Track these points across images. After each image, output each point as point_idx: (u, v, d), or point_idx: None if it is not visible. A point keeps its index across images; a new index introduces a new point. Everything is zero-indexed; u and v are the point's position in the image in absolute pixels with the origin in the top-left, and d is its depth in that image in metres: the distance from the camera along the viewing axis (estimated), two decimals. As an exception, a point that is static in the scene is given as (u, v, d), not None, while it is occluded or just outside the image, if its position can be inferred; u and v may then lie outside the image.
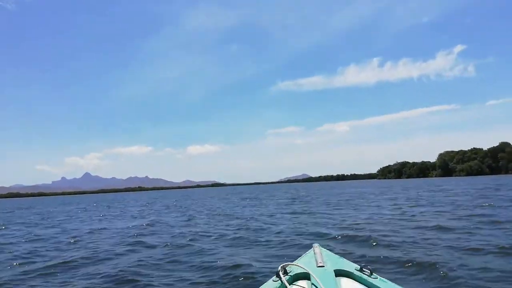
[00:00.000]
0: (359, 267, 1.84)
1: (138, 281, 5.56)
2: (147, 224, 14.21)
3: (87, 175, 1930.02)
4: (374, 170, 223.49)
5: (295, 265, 1.84)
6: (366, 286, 1.71)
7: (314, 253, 2.03)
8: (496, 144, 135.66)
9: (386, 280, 1.71)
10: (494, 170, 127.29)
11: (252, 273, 5.49)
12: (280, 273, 1.73)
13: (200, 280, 5.35)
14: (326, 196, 32.83)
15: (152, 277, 5.80)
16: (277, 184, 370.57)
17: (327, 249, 2.16)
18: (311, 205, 21.12)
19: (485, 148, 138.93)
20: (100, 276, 6.06)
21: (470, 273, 5.02)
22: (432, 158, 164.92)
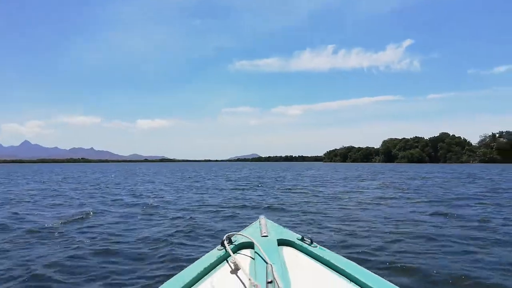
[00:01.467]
0: (300, 236, 1.93)
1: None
2: None
3: (26, 143, 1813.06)
4: (321, 153, 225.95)
5: (240, 234, 1.93)
6: (306, 254, 1.81)
7: (260, 224, 2.12)
8: (437, 134, 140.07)
9: (324, 248, 1.82)
10: (433, 159, 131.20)
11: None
12: (225, 242, 1.81)
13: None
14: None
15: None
16: (226, 162, 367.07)
17: (272, 221, 2.24)
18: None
19: (426, 137, 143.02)
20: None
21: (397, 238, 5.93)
22: (377, 145, 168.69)
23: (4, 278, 4.10)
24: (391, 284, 1.50)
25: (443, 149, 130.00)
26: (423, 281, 3.91)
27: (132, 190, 16.25)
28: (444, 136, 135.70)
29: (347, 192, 14.77)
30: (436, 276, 4.02)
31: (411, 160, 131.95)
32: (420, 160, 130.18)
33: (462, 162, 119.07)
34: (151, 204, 10.57)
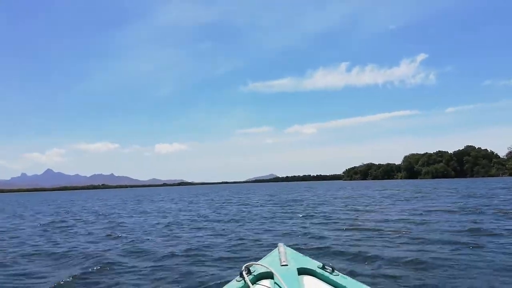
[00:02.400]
0: (321, 264, 1.88)
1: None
2: None
3: (49, 171, 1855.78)
4: (339, 171, 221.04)
5: (259, 264, 1.87)
6: (328, 283, 1.75)
7: (279, 252, 2.05)
8: (459, 148, 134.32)
9: (346, 276, 1.76)
10: (459, 173, 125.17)
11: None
12: (244, 272, 1.77)
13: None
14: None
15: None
16: (243, 184, 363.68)
17: (293, 248, 2.18)
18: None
19: (450, 151, 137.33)
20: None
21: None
22: (396, 161, 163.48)
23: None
24: None
25: (470, 163, 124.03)
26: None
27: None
28: (469, 149, 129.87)
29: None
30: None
31: (436, 175, 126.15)
32: (445, 175, 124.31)
33: (491, 175, 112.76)
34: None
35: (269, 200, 24.44)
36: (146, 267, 6.07)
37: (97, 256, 7.09)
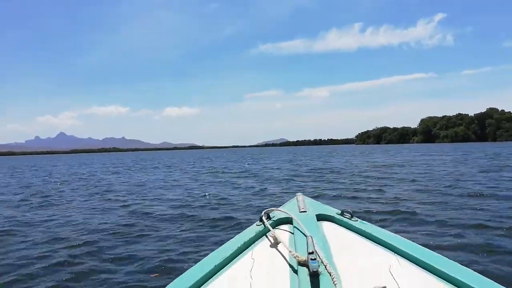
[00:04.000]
0: (340, 211, 1.89)
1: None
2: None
3: (61, 134, 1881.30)
4: (351, 135, 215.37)
5: (279, 210, 1.90)
6: (346, 228, 1.76)
7: (297, 200, 2.09)
8: (482, 110, 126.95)
9: (366, 222, 1.77)
10: (480, 137, 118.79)
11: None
12: (263, 217, 1.79)
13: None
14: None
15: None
16: (254, 148, 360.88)
17: (310, 197, 2.22)
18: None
19: (471, 114, 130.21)
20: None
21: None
22: (412, 125, 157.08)
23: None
24: (440, 255, 1.40)
25: (492, 126, 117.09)
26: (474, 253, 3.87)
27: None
28: (491, 112, 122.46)
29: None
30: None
31: (455, 139, 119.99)
32: (465, 139, 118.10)
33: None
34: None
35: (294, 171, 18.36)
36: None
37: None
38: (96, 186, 13.48)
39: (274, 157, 40.98)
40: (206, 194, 9.85)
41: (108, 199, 9.68)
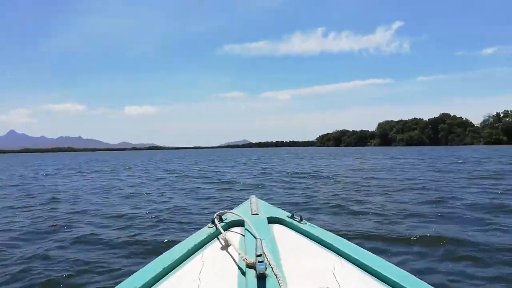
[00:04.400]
0: (290, 214, 1.94)
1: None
2: None
3: (11, 132, 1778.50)
4: (312, 138, 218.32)
5: (231, 212, 1.93)
6: (295, 230, 1.82)
7: (250, 203, 2.12)
8: (436, 115, 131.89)
9: (314, 225, 1.83)
10: (433, 141, 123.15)
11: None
12: (216, 220, 1.81)
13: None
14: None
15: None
16: (217, 149, 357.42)
17: (263, 200, 2.25)
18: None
19: (425, 119, 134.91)
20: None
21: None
22: (371, 128, 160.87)
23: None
24: (380, 258, 1.49)
25: (445, 131, 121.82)
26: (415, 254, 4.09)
27: None
28: (444, 117, 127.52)
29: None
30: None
31: (410, 143, 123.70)
32: (420, 143, 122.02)
33: (465, 144, 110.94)
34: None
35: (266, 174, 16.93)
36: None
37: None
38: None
39: (242, 158, 39.25)
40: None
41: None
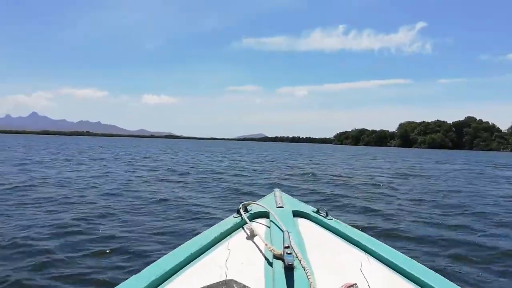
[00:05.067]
0: (316, 209, 1.91)
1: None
2: None
3: (34, 114, 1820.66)
4: (329, 135, 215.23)
5: (256, 203, 1.91)
6: (320, 225, 1.80)
7: (275, 195, 2.10)
8: (461, 118, 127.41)
9: (340, 221, 1.80)
10: (457, 145, 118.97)
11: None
12: (241, 210, 1.80)
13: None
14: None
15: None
16: (235, 141, 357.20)
17: (287, 194, 2.23)
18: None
19: (449, 121, 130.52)
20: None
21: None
22: (389, 129, 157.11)
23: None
24: (408, 257, 1.45)
25: (470, 135, 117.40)
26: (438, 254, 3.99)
27: None
28: (469, 121, 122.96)
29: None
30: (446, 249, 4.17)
31: (432, 145, 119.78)
32: (442, 146, 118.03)
33: (491, 149, 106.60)
34: None
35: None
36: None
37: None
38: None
39: (274, 151, 37.61)
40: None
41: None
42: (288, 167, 16.54)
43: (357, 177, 12.57)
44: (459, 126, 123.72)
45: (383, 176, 13.31)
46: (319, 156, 31.15)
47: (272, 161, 21.40)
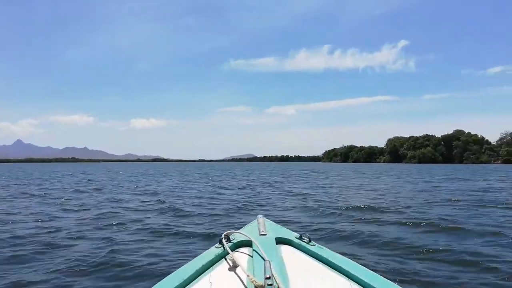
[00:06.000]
0: (298, 235, 1.92)
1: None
2: None
3: (18, 142, 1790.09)
4: (317, 153, 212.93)
5: (238, 232, 1.91)
6: (304, 252, 1.80)
7: (258, 223, 2.10)
8: (449, 132, 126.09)
9: (323, 247, 1.81)
10: (447, 159, 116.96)
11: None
12: (223, 240, 1.80)
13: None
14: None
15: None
16: (221, 162, 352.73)
17: (271, 220, 2.23)
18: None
19: (437, 135, 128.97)
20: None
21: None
22: (378, 145, 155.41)
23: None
24: (390, 281, 1.46)
25: (459, 148, 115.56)
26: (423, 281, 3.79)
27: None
28: (458, 134, 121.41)
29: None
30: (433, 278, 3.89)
31: (422, 160, 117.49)
32: (432, 160, 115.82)
33: (482, 162, 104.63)
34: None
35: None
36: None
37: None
38: None
39: (260, 172, 34.02)
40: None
41: None
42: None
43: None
44: (448, 139, 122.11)
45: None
46: (320, 179, 27.66)
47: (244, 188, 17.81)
